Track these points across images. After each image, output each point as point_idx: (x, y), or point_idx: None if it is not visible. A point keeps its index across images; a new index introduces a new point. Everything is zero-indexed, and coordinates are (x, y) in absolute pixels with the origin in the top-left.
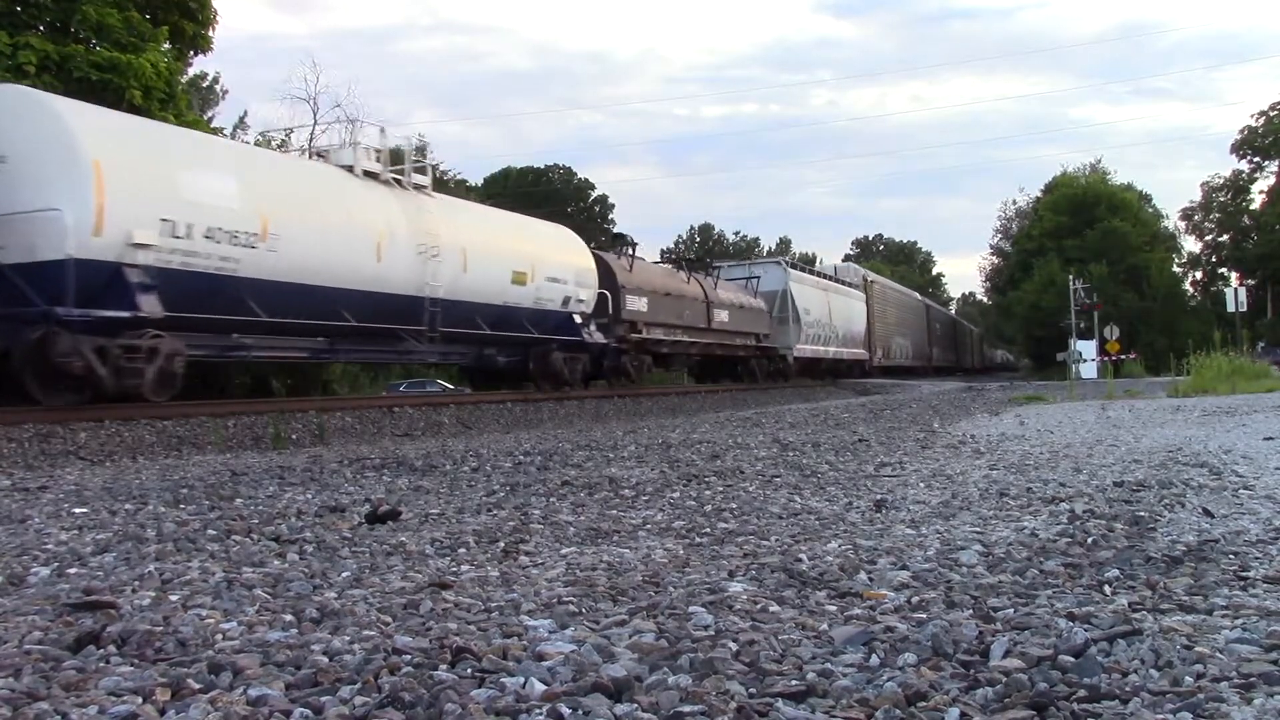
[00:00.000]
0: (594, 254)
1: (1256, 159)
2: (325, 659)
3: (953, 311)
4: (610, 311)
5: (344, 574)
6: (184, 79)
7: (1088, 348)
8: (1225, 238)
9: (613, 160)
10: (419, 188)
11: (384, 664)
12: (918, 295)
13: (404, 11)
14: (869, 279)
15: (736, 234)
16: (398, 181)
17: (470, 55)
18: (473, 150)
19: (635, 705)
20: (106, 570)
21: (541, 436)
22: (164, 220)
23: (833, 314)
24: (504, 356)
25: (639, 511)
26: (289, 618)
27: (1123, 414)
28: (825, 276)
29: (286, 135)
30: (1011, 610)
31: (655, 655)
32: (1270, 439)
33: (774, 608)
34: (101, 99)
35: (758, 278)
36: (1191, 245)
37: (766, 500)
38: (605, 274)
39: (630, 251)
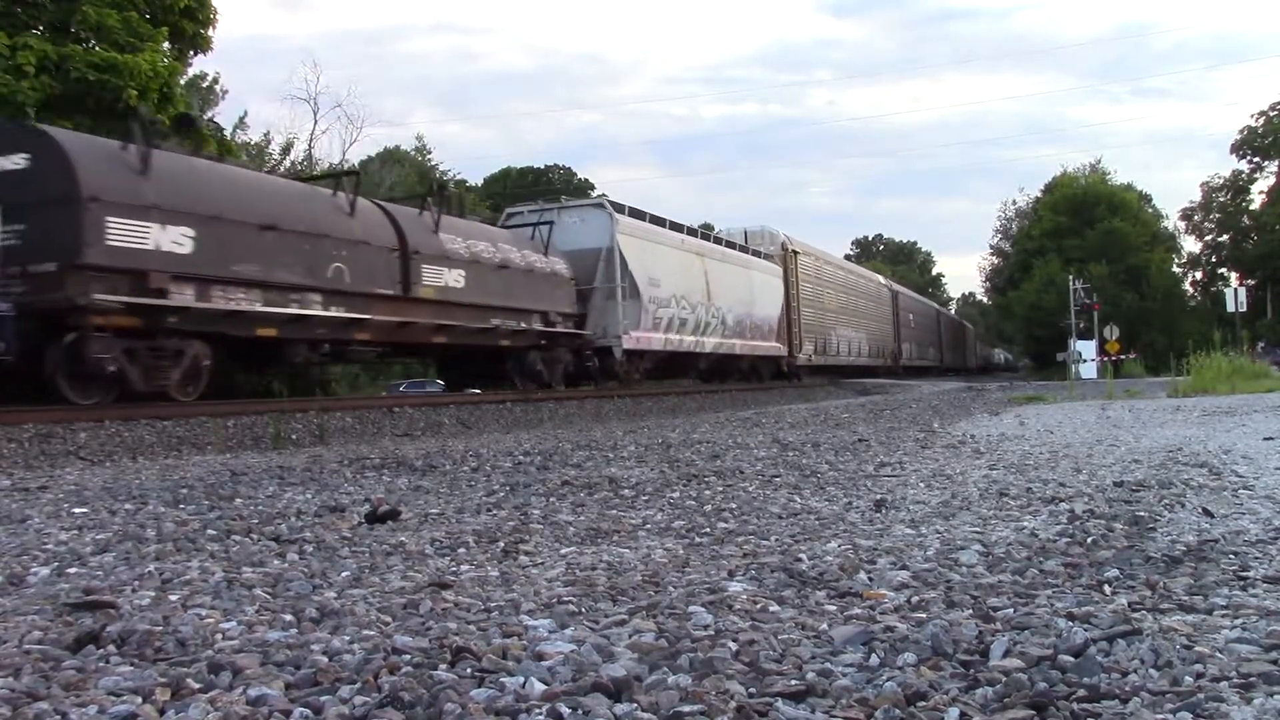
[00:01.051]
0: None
1: (1256, 159)
2: (325, 659)
3: (952, 311)
4: (41, 248)
5: (344, 574)
6: (183, 79)
7: (1088, 348)
8: (1225, 238)
9: (612, 160)
10: None
11: (384, 664)
12: (880, 278)
13: (404, 11)
14: (790, 248)
15: None
16: None
17: (469, 55)
18: (473, 150)
19: (635, 705)
20: (106, 570)
21: (541, 436)
22: None
23: (714, 290)
24: None
25: (639, 511)
26: (289, 617)
27: (1122, 414)
28: (721, 242)
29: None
30: (1011, 610)
31: (655, 655)
32: (1270, 439)
33: (774, 607)
34: (98, 99)
35: (550, 224)
36: (1191, 245)
37: (766, 500)
38: (41, 166)
39: (142, 134)
